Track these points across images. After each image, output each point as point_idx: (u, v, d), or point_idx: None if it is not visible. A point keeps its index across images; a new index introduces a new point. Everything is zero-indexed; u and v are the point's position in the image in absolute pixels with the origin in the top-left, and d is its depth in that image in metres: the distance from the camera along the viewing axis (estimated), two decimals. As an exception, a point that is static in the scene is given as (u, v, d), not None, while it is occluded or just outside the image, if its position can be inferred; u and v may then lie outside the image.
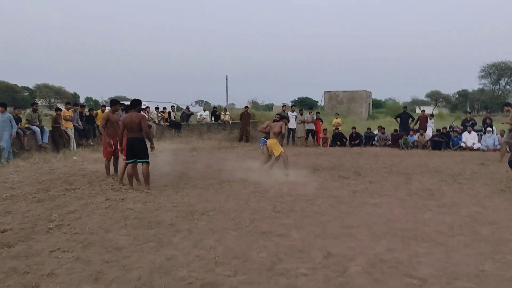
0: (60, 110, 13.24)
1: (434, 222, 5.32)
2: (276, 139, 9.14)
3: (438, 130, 16.27)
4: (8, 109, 11.45)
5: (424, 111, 18.28)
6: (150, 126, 15.53)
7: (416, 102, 63.66)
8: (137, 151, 7.34)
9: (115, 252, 4.24)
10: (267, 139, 9.40)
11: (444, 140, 15.58)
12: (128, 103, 8.29)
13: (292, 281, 3.53)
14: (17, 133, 11.39)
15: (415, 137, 16.22)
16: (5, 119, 10.60)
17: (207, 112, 21.58)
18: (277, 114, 10.57)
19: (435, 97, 62.65)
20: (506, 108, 12.40)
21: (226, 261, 3.99)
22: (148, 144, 7.49)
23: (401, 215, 5.69)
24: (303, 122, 17.43)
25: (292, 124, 17.20)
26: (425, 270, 3.75)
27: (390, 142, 16.72)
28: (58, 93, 60.91)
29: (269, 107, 58.35)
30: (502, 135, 14.81)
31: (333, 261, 3.99)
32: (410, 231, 4.95)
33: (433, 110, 48.11)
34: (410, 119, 17.57)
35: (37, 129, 12.07)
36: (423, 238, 4.68)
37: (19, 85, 58.89)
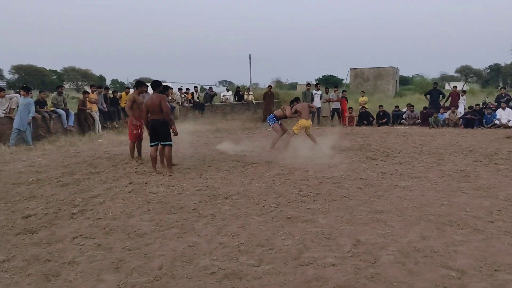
0: (88, 93, 13.26)
1: (470, 207, 5.01)
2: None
3: (470, 107, 15.55)
4: (34, 92, 11.52)
5: (455, 87, 17.52)
6: (173, 108, 15.48)
7: (445, 78, 61.62)
8: (160, 133, 7.23)
9: (137, 238, 4.15)
10: (277, 119, 10.06)
11: (477, 118, 14.90)
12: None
13: (319, 271, 3.34)
14: (43, 116, 11.52)
15: (446, 114, 15.58)
16: (26, 103, 10.52)
17: (230, 92, 21.35)
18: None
19: (465, 73, 60.43)
20: None
21: (250, 249, 3.84)
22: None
23: (434, 199, 5.38)
24: (328, 101, 17.03)
25: (317, 103, 16.83)
26: (463, 261, 3.49)
27: (419, 120, 16.13)
28: (85, 75, 61.95)
29: (293, 86, 57.61)
30: None
31: (363, 249, 3.77)
32: (445, 216, 4.66)
33: (463, 86, 46.40)
34: (441, 96, 16.87)
35: (62, 112, 12.15)
36: (460, 224, 4.39)
37: (47, 69, 60.14)
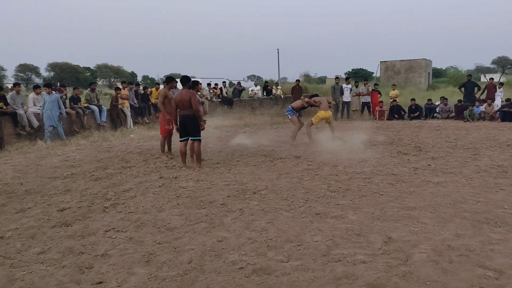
0: (120, 89, 13.56)
1: (508, 204, 4.80)
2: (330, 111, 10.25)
3: (508, 100, 14.92)
4: (68, 89, 11.84)
5: (492, 79, 16.84)
6: (202, 103, 15.58)
7: (481, 70, 59.48)
8: (189, 128, 7.29)
9: (167, 232, 4.20)
10: (295, 111, 10.25)
11: (515, 111, 14.28)
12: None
13: (349, 268, 3.28)
14: (77, 112, 11.86)
15: (482, 107, 15.02)
16: (53, 100, 10.74)
17: (258, 87, 21.34)
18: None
19: (502, 64, 58.10)
20: None
21: (278, 244, 3.81)
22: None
23: (469, 195, 5.20)
24: (358, 94, 16.73)
25: (347, 97, 16.62)
26: (500, 260, 3.35)
27: (453, 114, 15.63)
28: (117, 72, 63.35)
29: (322, 79, 57.06)
30: None
31: (394, 247, 3.68)
32: (481, 213, 4.49)
33: (500, 77, 44.63)
34: (476, 88, 16.27)
35: (95, 108, 12.47)
36: (497, 222, 4.22)
37: (81, 66, 61.89)
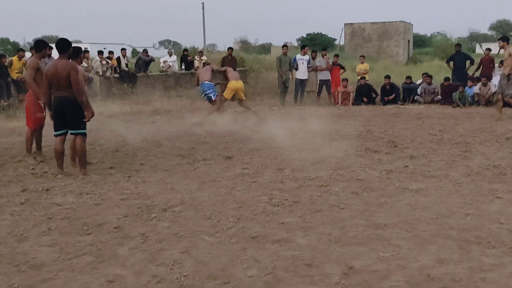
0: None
1: (505, 216, 5.16)
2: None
3: (508, 78, 16.00)
4: None
5: (489, 50, 17.88)
6: (91, 80, 15.20)
7: (475, 38, 63.22)
8: (68, 117, 7.07)
9: (31, 272, 4.05)
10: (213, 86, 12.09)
11: (518, 93, 15.34)
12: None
13: (295, 313, 3.36)
14: None
15: (476, 88, 15.95)
16: None
17: (174, 57, 21.17)
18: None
19: (503, 30, 62.18)
20: (500, 43, 13.06)
21: (197, 283, 3.81)
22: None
23: (457, 206, 5.52)
24: (314, 69, 16.97)
25: (303, 73, 16.59)
26: (494, 292, 3.59)
27: (439, 96, 16.50)
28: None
29: (266, 48, 57.73)
30: None
31: (357, 280, 3.81)
32: (471, 231, 4.78)
33: (500, 49, 47.73)
34: (468, 61, 17.24)
35: None
36: (490, 242, 4.51)
37: None
